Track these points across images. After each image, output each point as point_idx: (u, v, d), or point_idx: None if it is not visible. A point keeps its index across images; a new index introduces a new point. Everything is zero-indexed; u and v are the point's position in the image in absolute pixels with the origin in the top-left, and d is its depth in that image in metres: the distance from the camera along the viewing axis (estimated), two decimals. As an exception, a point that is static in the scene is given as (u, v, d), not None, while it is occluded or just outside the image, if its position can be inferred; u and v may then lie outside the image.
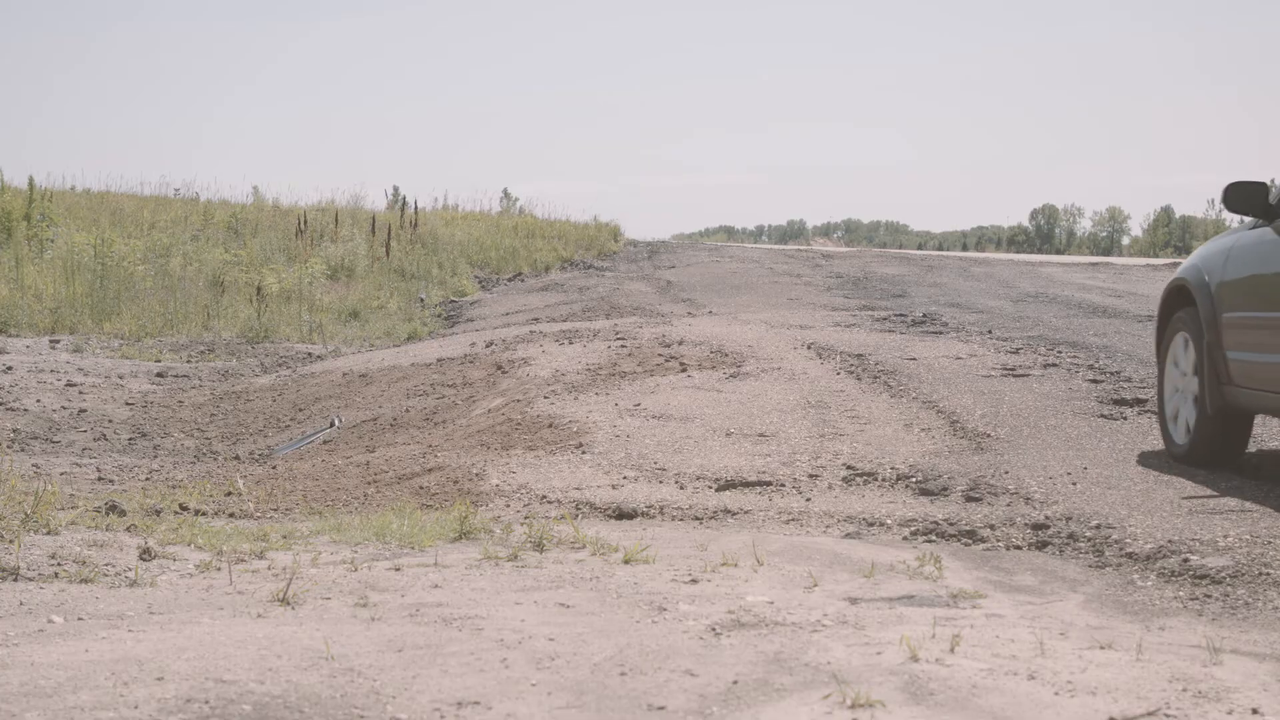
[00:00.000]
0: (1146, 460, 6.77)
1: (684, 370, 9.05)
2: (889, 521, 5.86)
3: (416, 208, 27.12)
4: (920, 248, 55.68)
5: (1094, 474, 6.48)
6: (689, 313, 14.34)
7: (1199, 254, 6.86)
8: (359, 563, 4.92)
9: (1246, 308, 6.15)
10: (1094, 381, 8.87)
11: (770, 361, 9.34)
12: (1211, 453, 6.53)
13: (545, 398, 8.46)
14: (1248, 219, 6.53)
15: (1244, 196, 6.33)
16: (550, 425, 7.67)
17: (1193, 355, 6.64)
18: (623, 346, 10.11)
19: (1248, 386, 6.10)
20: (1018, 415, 7.74)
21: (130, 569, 4.70)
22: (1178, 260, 25.69)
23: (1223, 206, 6.52)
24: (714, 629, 3.98)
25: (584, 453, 7.07)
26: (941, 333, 11.76)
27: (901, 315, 13.32)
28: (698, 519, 5.97)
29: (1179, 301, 6.89)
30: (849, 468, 6.73)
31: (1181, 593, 4.66)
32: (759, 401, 8.07)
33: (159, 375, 12.11)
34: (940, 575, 4.83)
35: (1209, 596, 4.59)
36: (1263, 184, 6.34)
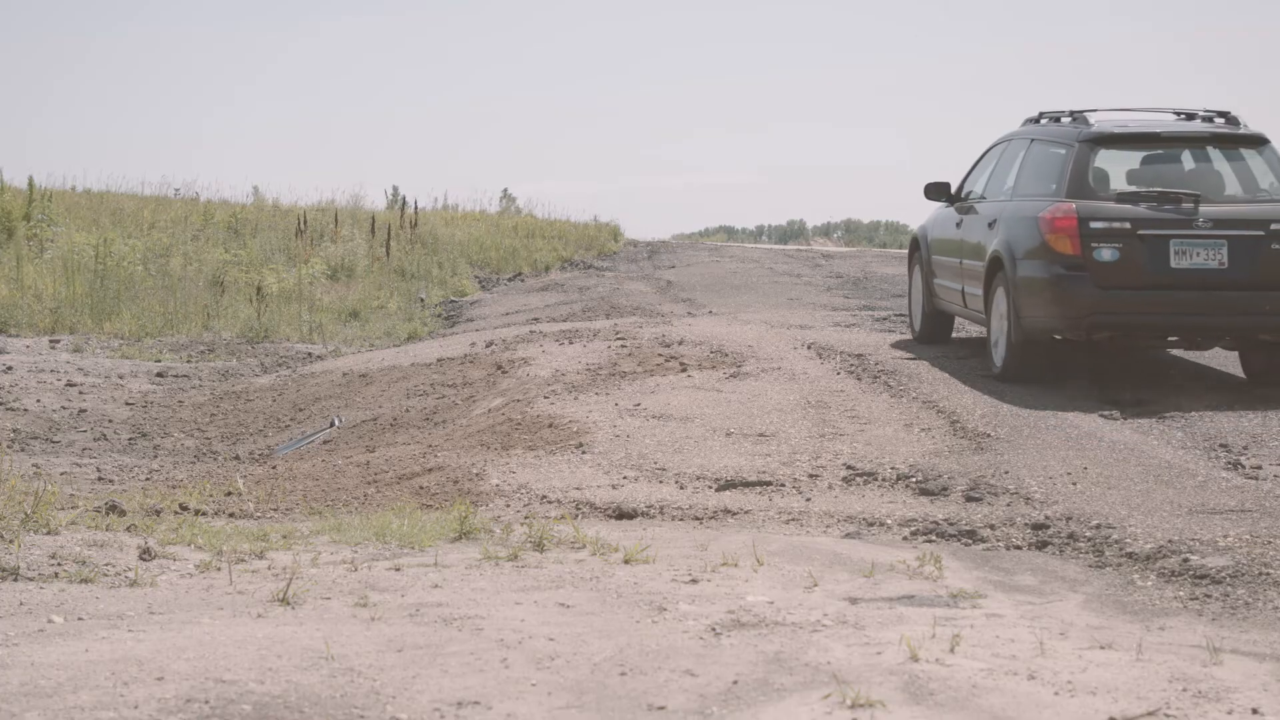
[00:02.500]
0: (901, 345, 10.50)
1: (684, 370, 9.05)
2: (889, 521, 5.86)
3: (416, 208, 27.11)
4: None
5: (1094, 474, 6.48)
6: (689, 313, 14.35)
7: (925, 221, 11.18)
8: (359, 563, 4.92)
9: (939, 253, 10.57)
10: (1093, 381, 8.87)
11: (770, 361, 9.35)
12: (931, 336, 10.76)
13: (545, 398, 8.46)
14: (940, 202, 10.76)
15: (936, 190, 10.64)
16: (550, 425, 7.67)
17: (921, 279, 10.88)
18: (623, 346, 10.11)
19: (942, 298, 10.45)
20: (1018, 415, 7.74)
21: (130, 569, 4.70)
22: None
23: (925, 195, 10.74)
24: (714, 629, 3.98)
25: (584, 453, 7.07)
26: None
27: (902, 315, 13.32)
28: (698, 519, 5.97)
29: (913, 248, 11.37)
30: (849, 468, 6.73)
31: (1181, 593, 4.66)
32: (759, 401, 8.08)
33: (159, 375, 12.11)
34: (940, 575, 4.83)
35: (1209, 596, 4.59)
36: (947, 183, 10.61)
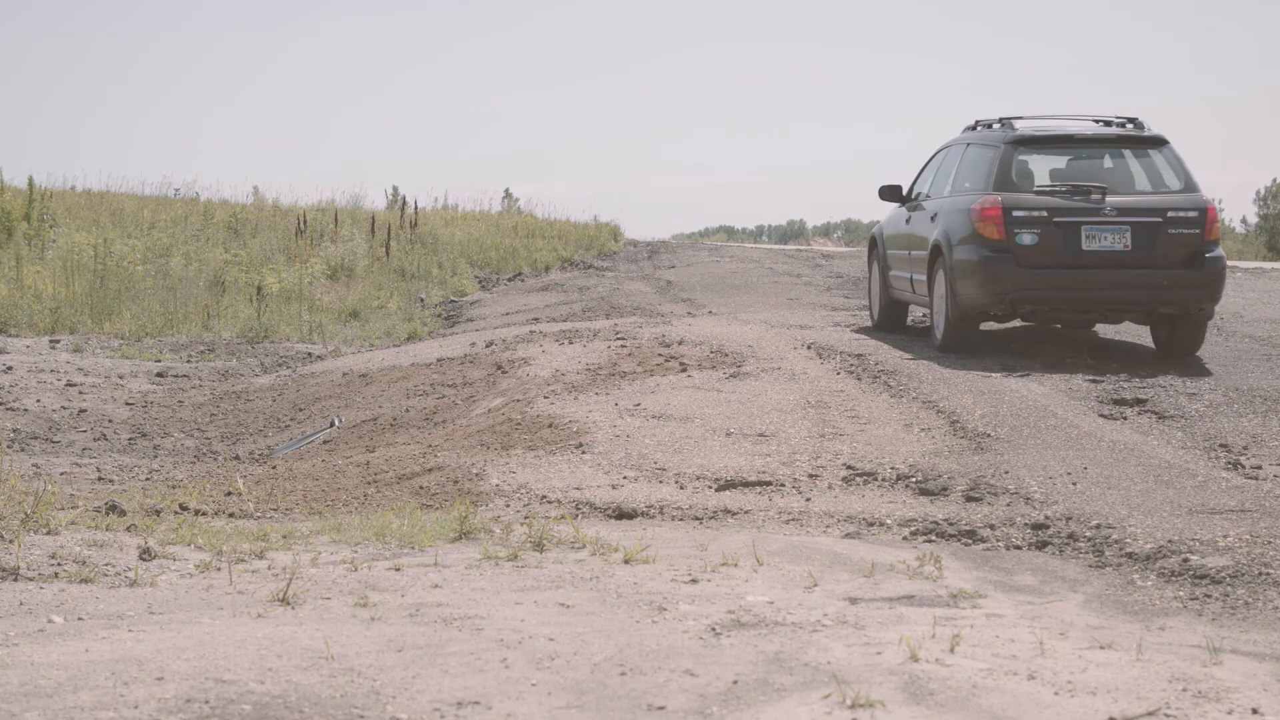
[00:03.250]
0: (863, 331, 11.60)
1: (684, 370, 9.06)
2: (889, 521, 5.86)
3: (416, 207, 27.11)
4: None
5: (1094, 474, 6.48)
6: (689, 312, 14.35)
7: (881, 221, 12.53)
8: (359, 563, 4.92)
9: (892, 247, 11.82)
10: (1094, 381, 8.87)
11: (770, 361, 9.35)
12: (888, 324, 11.89)
13: (545, 398, 8.46)
14: (894, 203, 12.04)
15: (890, 192, 11.94)
16: (550, 425, 7.67)
17: (879, 272, 12.18)
18: (623, 346, 10.11)
19: (896, 287, 11.62)
20: (1018, 415, 7.74)
21: (130, 569, 4.70)
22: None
23: (879, 196, 12.10)
24: (714, 629, 3.98)
25: (584, 453, 7.07)
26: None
27: (901, 315, 13.33)
28: (698, 519, 5.97)
29: (871, 246, 12.63)
30: (849, 468, 6.73)
31: (1181, 593, 4.66)
32: (759, 401, 8.08)
33: (159, 375, 12.11)
34: (940, 575, 4.83)
35: (1209, 596, 4.59)
36: (898, 185, 11.87)
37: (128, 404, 10.55)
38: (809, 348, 10.11)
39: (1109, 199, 9.76)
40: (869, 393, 8.42)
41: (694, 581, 4.67)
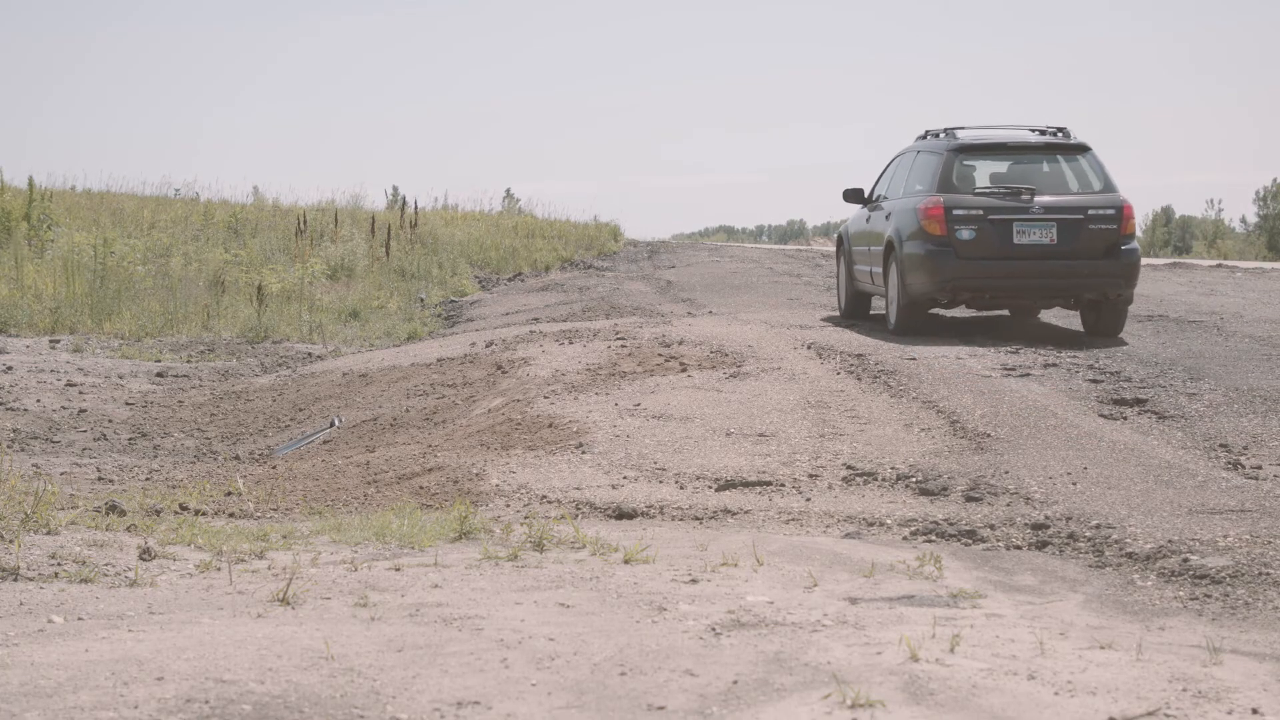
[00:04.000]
0: (831, 320, 12.97)
1: (684, 370, 9.06)
2: (889, 521, 5.86)
3: (416, 208, 27.11)
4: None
5: (1094, 474, 6.48)
6: (689, 313, 14.35)
7: (847, 221, 13.79)
8: (359, 563, 4.92)
9: (855, 244, 13.11)
10: (1094, 381, 8.88)
11: (770, 361, 9.35)
12: (853, 313, 13.22)
13: (545, 398, 8.46)
14: (857, 205, 13.31)
15: (853, 195, 13.17)
16: (550, 425, 7.67)
17: (844, 267, 13.51)
18: (623, 346, 10.11)
19: (859, 280, 12.97)
20: (1018, 415, 7.74)
21: (130, 569, 4.70)
22: (1178, 260, 26.00)
23: (843, 198, 13.35)
24: (714, 629, 3.98)
25: (584, 453, 7.07)
26: (942, 332, 11.77)
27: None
28: (698, 519, 5.97)
29: (839, 244, 13.95)
30: (849, 468, 6.73)
31: (1181, 593, 4.66)
32: (759, 401, 8.08)
33: (159, 375, 12.11)
34: (940, 575, 4.83)
35: (1209, 596, 4.59)
36: (861, 189, 13.14)
37: (128, 404, 10.55)
38: (809, 348, 10.11)
39: (1037, 199, 11.12)
40: (869, 393, 8.42)
41: (694, 581, 4.67)
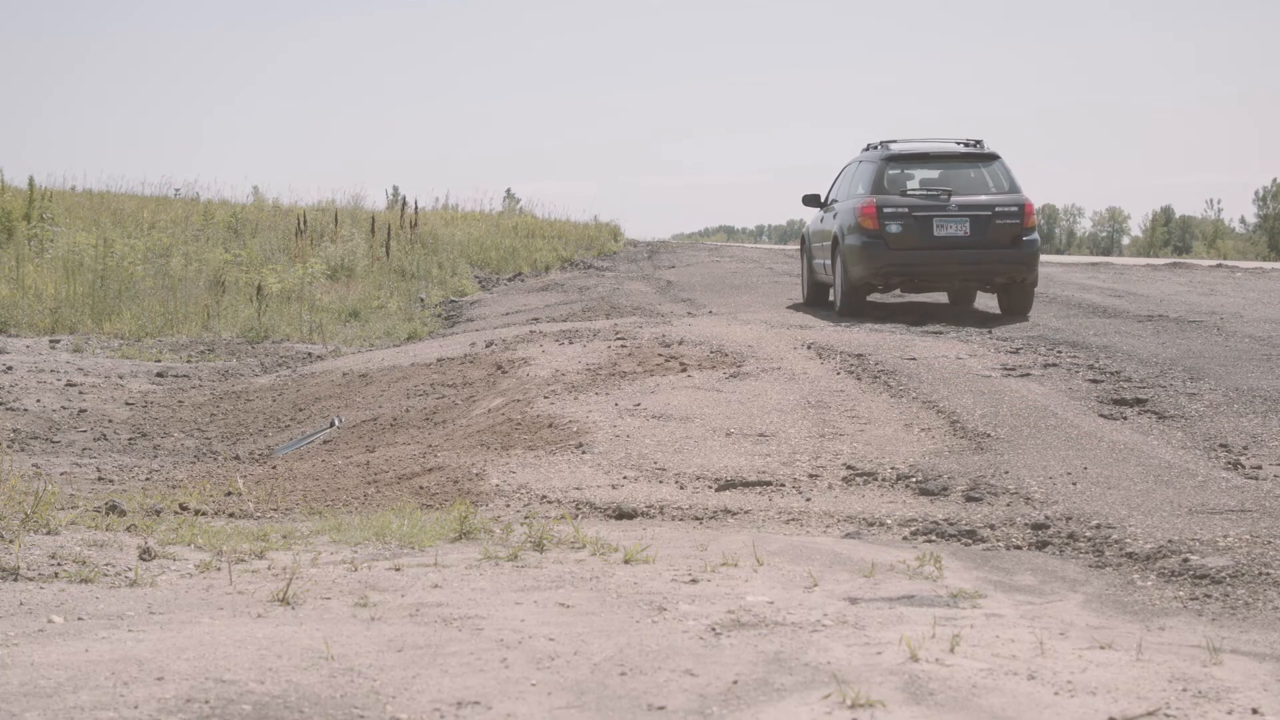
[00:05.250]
0: (795, 307, 15.20)
1: (684, 370, 9.06)
2: (889, 521, 5.86)
3: (416, 208, 27.11)
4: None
5: (1094, 474, 6.48)
6: (689, 312, 14.36)
7: (809, 222, 15.79)
8: (359, 563, 4.92)
9: (814, 241, 15.11)
10: (1094, 381, 8.88)
11: (770, 361, 9.35)
12: (813, 301, 15.26)
13: (545, 398, 8.46)
14: (815, 208, 15.32)
15: (811, 200, 15.14)
16: (550, 425, 7.67)
17: (806, 262, 15.51)
18: (623, 346, 10.11)
19: (817, 272, 14.96)
20: (1018, 415, 7.74)
21: (130, 569, 4.70)
22: (1178, 260, 26.01)
23: (802, 202, 15.38)
24: (714, 629, 3.98)
25: (584, 453, 7.07)
26: (942, 333, 11.78)
27: (899, 314, 13.35)
28: (698, 519, 5.97)
29: (802, 242, 15.98)
30: (849, 468, 6.73)
31: (1181, 593, 4.66)
32: (759, 401, 8.08)
33: (159, 375, 12.11)
34: (940, 575, 4.83)
35: (1209, 596, 4.59)
36: (818, 194, 15.14)
37: (128, 404, 10.55)
38: (809, 348, 10.11)
39: (954, 199, 13.27)
40: (869, 393, 8.42)
41: (694, 581, 4.67)
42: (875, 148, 14.18)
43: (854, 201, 13.56)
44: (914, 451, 7.02)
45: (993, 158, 13.66)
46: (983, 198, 13.30)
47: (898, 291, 14.33)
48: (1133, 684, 3.51)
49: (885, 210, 13.13)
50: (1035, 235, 13.28)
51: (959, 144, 13.97)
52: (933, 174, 13.70)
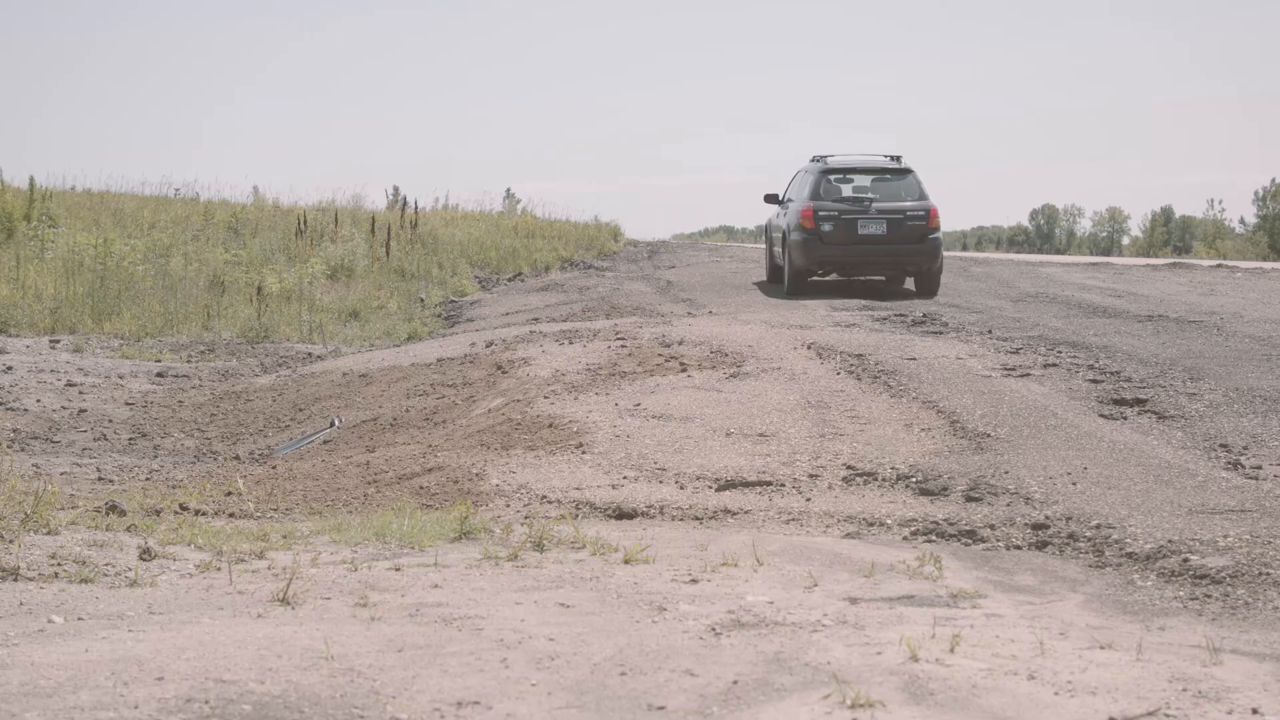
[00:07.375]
0: (761, 288, 18.22)
1: (684, 370, 9.06)
2: (889, 521, 5.86)
3: (417, 208, 27.10)
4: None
5: (1094, 474, 6.48)
6: (689, 313, 14.35)
7: (771, 217, 18.84)
8: (359, 563, 4.92)
9: (773, 232, 18.54)
10: (1094, 381, 8.88)
11: (770, 361, 9.35)
12: (772, 279, 18.44)
13: (545, 398, 8.46)
14: (775, 206, 18.36)
15: (771, 198, 18.37)
16: (550, 425, 7.67)
17: (768, 248, 19.06)
18: (623, 346, 10.11)
19: (776, 258, 18.15)
20: (1018, 415, 7.74)
21: (130, 569, 4.70)
22: (1178, 260, 26.03)
23: (764, 200, 18.66)
24: (714, 629, 3.98)
25: (584, 453, 7.07)
26: (941, 333, 11.78)
27: (901, 315, 13.34)
28: (698, 519, 5.97)
29: (766, 231, 19.48)
30: (849, 468, 6.73)
31: (1181, 593, 4.66)
32: (759, 401, 8.08)
33: (159, 375, 12.11)
34: (940, 575, 4.83)
35: (1209, 596, 4.59)
36: (777, 194, 18.38)
37: (128, 404, 10.55)
38: (809, 348, 10.11)
39: (875, 205, 16.53)
40: (869, 393, 8.42)
41: (694, 581, 4.67)
42: (818, 160, 17.47)
43: (798, 205, 16.78)
44: (914, 451, 7.02)
45: (908, 172, 16.95)
46: (897, 204, 16.58)
47: (833, 275, 17.30)
48: (1133, 684, 3.51)
49: (820, 213, 16.42)
50: (939, 234, 16.44)
51: (886, 158, 17.28)
52: (864, 182, 16.98)
